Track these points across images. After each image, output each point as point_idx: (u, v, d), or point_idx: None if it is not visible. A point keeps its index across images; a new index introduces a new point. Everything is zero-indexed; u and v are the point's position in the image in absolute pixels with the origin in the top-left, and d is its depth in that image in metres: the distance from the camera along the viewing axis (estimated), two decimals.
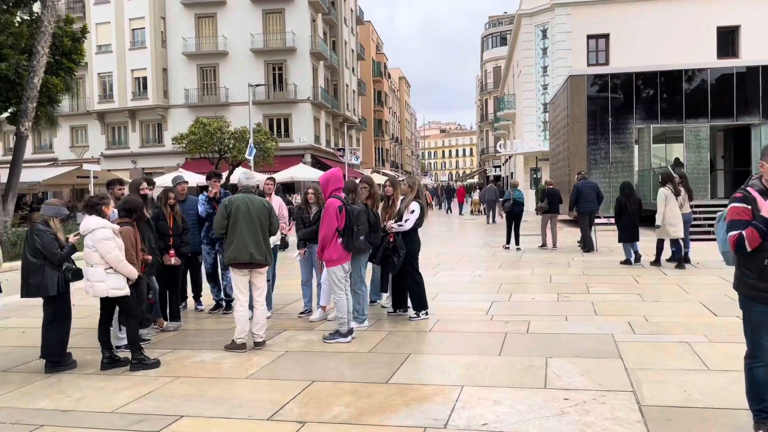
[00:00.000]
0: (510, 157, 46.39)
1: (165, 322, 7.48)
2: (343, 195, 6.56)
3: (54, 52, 22.24)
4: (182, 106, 41.72)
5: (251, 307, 6.48)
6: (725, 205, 3.83)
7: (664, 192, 11.00)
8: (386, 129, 70.57)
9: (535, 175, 31.99)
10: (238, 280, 6.33)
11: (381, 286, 8.38)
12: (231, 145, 28.43)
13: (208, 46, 41.74)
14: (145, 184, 7.47)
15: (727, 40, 32.04)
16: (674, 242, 11.32)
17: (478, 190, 37.86)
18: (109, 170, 42.81)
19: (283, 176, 29.86)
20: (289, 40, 40.77)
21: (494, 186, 31.22)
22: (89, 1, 42.92)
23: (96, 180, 29.07)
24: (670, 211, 10.92)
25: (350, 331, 6.56)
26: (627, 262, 11.63)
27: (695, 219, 16.79)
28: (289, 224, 9.66)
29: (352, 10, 54.41)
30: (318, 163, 41.31)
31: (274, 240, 8.00)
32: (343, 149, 40.92)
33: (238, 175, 6.45)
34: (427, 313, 7.56)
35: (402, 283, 7.69)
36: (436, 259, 13.50)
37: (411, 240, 7.49)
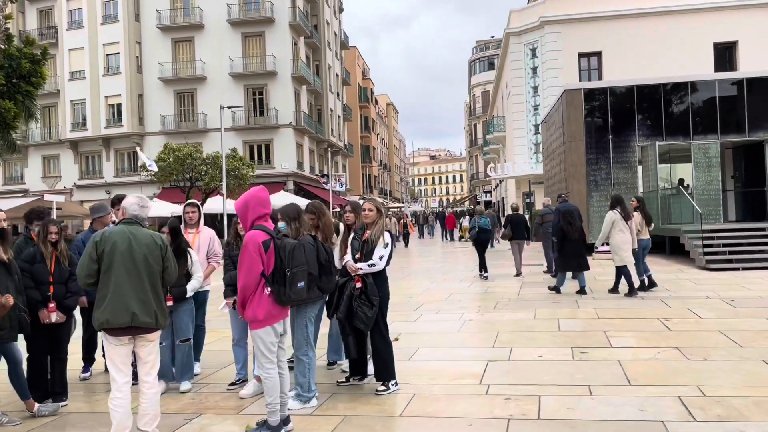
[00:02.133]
0: (501, 182, 44.75)
1: (36, 404, 5.42)
2: (271, 224, 4.61)
3: (11, 75, 20.49)
4: (158, 133, 39.90)
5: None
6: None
7: (612, 216, 10.59)
8: (374, 155, 68.96)
9: (528, 200, 30.22)
10: (113, 353, 4.31)
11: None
12: (203, 172, 26.49)
13: (185, 71, 40.11)
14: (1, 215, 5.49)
15: (725, 56, 30.69)
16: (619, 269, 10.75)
17: (468, 217, 35.92)
18: (81, 201, 40.78)
19: None
20: (269, 63, 39.22)
21: (492, 211, 29.47)
22: (62, 26, 41.31)
23: (60, 212, 27.03)
24: (620, 236, 10.51)
25: (284, 422, 4.55)
26: (556, 289, 11.24)
27: (713, 245, 14.97)
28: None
29: (336, 34, 53.11)
30: (301, 190, 39.45)
31: (194, 286, 6.04)
32: (327, 175, 39.08)
33: (129, 200, 4.46)
34: (397, 383, 5.55)
35: (361, 340, 5.69)
36: (420, 297, 11.50)
37: (382, 282, 5.56)
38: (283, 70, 39.39)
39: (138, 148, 20.32)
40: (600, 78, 30.33)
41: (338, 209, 40.82)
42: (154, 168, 19.67)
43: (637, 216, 11.04)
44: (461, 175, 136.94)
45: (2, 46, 21.07)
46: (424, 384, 5.73)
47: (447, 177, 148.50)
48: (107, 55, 40.58)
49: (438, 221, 40.81)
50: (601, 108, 19.03)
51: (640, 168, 18.95)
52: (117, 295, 4.23)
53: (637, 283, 10.80)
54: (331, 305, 5.55)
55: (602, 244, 11.68)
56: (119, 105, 40.45)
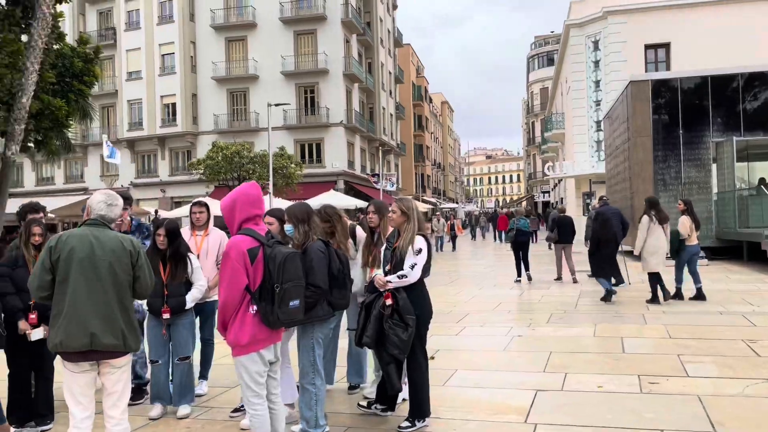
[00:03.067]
0: (560, 181, 42.99)
1: (12, 429, 4.77)
2: (264, 227, 3.76)
3: (64, 74, 20.62)
4: (211, 132, 40.02)
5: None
6: None
7: (646, 221, 9.88)
8: (427, 154, 67.87)
9: (588, 200, 28.61)
10: (71, 381, 3.56)
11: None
12: (251, 171, 26.14)
13: (238, 70, 40.13)
14: None
15: None
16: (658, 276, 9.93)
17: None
18: (138, 200, 41.43)
19: (311, 204, 27.37)
20: (321, 61, 38.75)
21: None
22: (120, 27, 42.08)
23: None
24: (652, 242, 9.78)
25: None
26: (609, 294, 10.38)
27: None
28: None
29: (389, 31, 52.32)
30: (351, 190, 38.84)
31: (194, 296, 5.27)
32: (378, 174, 38.31)
33: (95, 197, 3.69)
34: (425, 420, 4.62)
35: (397, 367, 4.75)
36: (464, 306, 10.50)
37: (418, 297, 4.60)
38: (335, 68, 38.86)
39: (105, 137, 19.74)
40: (668, 70, 28.39)
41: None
42: (116, 161, 19.10)
43: (685, 220, 10.09)
44: (518, 175, 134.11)
45: (55, 46, 21.19)
46: (457, 419, 4.79)
47: (504, 177, 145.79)
48: (163, 55, 41.04)
49: (490, 222, 39.41)
50: (671, 100, 17.48)
51: (714, 166, 17.32)
52: (73, 311, 3.48)
53: (673, 290, 10.11)
54: (357, 327, 4.65)
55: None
56: (174, 104, 40.84)
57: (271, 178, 24.94)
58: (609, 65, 30.42)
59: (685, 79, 17.65)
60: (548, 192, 57.72)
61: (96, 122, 43.36)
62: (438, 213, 36.33)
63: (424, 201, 58.82)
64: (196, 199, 5.99)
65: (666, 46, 29.50)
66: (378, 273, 4.63)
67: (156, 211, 25.56)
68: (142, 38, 41.35)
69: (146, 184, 41.77)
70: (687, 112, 17.34)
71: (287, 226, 4.33)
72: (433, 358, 6.66)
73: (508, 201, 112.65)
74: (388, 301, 4.44)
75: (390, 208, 4.78)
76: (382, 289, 4.49)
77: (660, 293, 9.90)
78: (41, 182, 44.71)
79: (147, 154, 42.76)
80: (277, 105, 27.73)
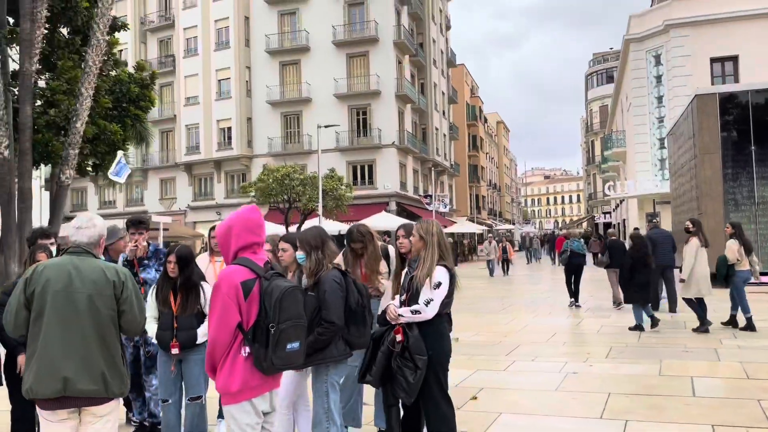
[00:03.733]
0: (621, 202, 41.26)
1: None
2: (264, 256, 3.26)
3: (121, 99, 21.09)
4: (266, 155, 40.42)
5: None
6: None
7: (696, 244, 9.51)
8: (482, 175, 66.78)
9: (653, 220, 27.11)
10: (48, 431, 3.15)
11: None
12: (302, 192, 26.03)
13: (291, 93, 40.53)
14: None
15: None
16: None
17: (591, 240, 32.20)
18: (194, 222, 42.21)
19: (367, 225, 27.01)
20: (373, 83, 38.70)
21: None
22: (179, 54, 43.32)
23: (167, 233, 27.53)
24: (699, 267, 9.42)
25: None
26: (638, 327, 9.82)
27: None
28: None
29: (442, 52, 51.99)
30: (404, 211, 38.38)
31: (207, 331, 4.81)
32: (431, 196, 37.71)
33: (70, 223, 3.28)
34: None
35: (413, 409, 4.17)
36: (516, 336, 9.74)
37: (433, 335, 4.01)
38: (387, 90, 38.72)
39: (120, 153, 19.59)
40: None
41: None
42: (120, 179, 18.90)
43: (733, 245, 9.64)
44: (578, 195, 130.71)
45: (112, 72, 21.70)
46: None
47: (563, 197, 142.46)
48: (219, 80, 41.92)
49: (546, 245, 37.90)
50: (741, 115, 16.26)
51: None
52: (44, 352, 3.07)
53: (743, 321, 9.54)
54: (363, 362, 4.08)
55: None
56: (229, 128, 41.54)
57: (320, 200, 24.73)
58: (672, 80, 29.01)
59: (755, 92, 16.42)
60: (609, 213, 55.65)
61: (155, 146, 44.71)
62: (490, 235, 35.16)
63: (479, 222, 57.73)
64: (214, 225, 5.58)
65: (734, 59, 27.92)
66: (393, 303, 4.06)
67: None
68: (199, 64, 42.40)
69: (203, 207, 42.48)
70: (759, 127, 16.08)
71: (299, 254, 3.84)
72: (475, 398, 6.03)
73: (567, 222, 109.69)
74: (398, 337, 3.87)
75: (414, 233, 4.21)
76: (393, 322, 3.93)
77: (700, 319, 9.54)
78: (104, 206, 46.16)
79: (204, 177, 43.57)
80: (327, 126, 27.65)
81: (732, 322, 9.72)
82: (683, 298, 9.86)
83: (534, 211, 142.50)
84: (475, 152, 64.16)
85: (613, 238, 13.75)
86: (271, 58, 40.90)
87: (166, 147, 44.89)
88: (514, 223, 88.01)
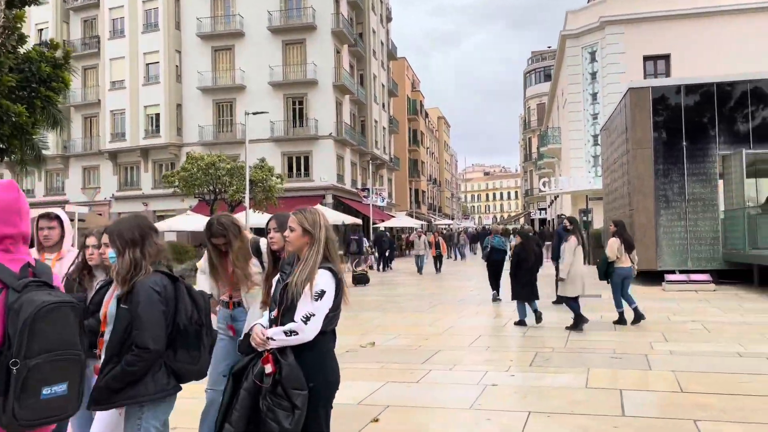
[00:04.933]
0: (556, 198, 41.61)
1: None
2: (25, 256, 2.27)
3: (30, 79, 19.25)
4: (196, 143, 38.64)
5: None
6: None
7: (573, 242, 9.63)
8: (422, 169, 66.50)
9: (585, 218, 27.12)
10: None
11: None
12: (228, 183, 24.68)
13: (224, 80, 38.87)
14: None
15: None
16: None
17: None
18: (119, 213, 39.95)
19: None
20: (310, 71, 37.52)
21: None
22: (104, 35, 40.88)
23: (82, 224, 25.60)
24: (577, 264, 9.62)
25: None
26: (521, 323, 10.01)
27: None
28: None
29: (383, 43, 51.16)
30: (341, 204, 37.44)
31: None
32: (368, 189, 36.86)
33: None
34: None
35: None
36: (437, 340, 8.97)
37: (316, 361, 3.01)
38: (324, 79, 37.61)
39: None
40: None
41: (379, 225, 38.50)
42: None
43: (614, 242, 9.88)
44: (516, 192, 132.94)
45: (20, 50, 19.81)
46: None
47: (501, 194, 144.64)
48: (147, 64, 39.80)
49: (476, 241, 37.25)
50: (674, 110, 16.10)
51: (720, 182, 15.90)
52: None
53: (616, 316, 9.92)
54: (221, 406, 3.09)
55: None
56: (158, 115, 39.53)
57: (247, 191, 23.49)
58: (606, 77, 29.15)
59: (688, 86, 16.28)
60: (545, 209, 56.31)
61: (78, 133, 42.12)
62: (419, 229, 34.34)
63: (417, 217, 57.34)
64: (44, 210, 4.45)
65: (666, 57, 28.25)
66: (258, 323, 3.10)
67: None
68: (126, 47, 40.14)
69: (128, 197, 40.30)
70: (691, 123, 15.96)
71: (110, 252, 2.86)
72: (377, 420, 5.17)
73: (505, 218, 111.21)
74: (268, 368, 2.90)
75: (288, 224, 3.24)
76: (260, 349, 2.98)
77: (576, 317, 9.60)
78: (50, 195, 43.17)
79: (130, 166, 41.36)
80: (256, 113, 26.29)
81: (621, 320, 9.82)
82: (562, 297, 9.89)
83: (474, 206, 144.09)
84: (416, 147, 63.77)
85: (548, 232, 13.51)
86: (203, 42, 39.11)
87: (90, 133, 42.38)
88: (453, 218, 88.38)
